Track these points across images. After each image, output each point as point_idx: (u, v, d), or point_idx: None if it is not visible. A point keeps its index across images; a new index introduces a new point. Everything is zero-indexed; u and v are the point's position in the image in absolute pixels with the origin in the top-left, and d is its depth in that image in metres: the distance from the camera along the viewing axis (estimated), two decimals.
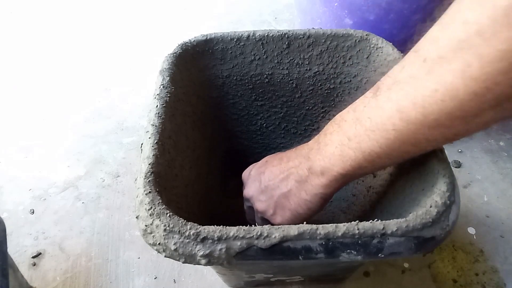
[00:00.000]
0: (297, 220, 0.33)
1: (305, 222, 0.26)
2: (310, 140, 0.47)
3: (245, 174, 0.40)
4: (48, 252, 0.53)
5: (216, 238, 0.25)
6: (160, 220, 0.26)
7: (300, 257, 0.25)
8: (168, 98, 0.35)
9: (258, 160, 0.56)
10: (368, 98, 0.26)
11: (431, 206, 0.26)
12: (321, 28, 0.42)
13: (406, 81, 0.23)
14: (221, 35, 0.42)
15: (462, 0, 0.20)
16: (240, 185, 0.42)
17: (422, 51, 0.22)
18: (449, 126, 0.22)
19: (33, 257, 0.52)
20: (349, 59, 0.43)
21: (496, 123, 0.21)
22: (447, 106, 0.20)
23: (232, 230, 0.25)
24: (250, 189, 0.37)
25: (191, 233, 0.25)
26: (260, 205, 0.36)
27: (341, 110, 0.49)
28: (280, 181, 0.33)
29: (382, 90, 0.25)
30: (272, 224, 0.33)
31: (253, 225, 0.26)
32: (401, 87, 0.23)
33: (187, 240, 0.25)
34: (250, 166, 0.40)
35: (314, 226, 0.25)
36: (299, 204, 0.32)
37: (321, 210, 0.33)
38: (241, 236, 0.25)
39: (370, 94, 0.26)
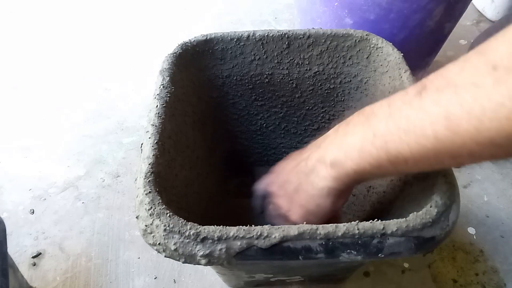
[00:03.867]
0: (311, 218, 0.30)
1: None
2: (310, 139, 0.46)
3: (271, 170, 0.37)
4: (48, 252, 0.53)
5: (216, 238, 0.25)
6: (160, 220, 0.26)
7: (300, 257, 0.25)
8: (168, 98, 0.35)
9: (258, 160, 0.56)
10: (409, 95, 0.23)
11: (431, 206, 0.26)
12: (321, 28, 0.42)
13: (465, 86, 0.19)
14: (221, 35, 0.42)
15: None
16: (241, 185, 0.42)
17: (492, 57, 0.18)
18: (504, 146, 0.19)
19: (33, 257, 0.52)
20: (349, 59, 0.43)
21: None
22: (510, 125, 0.18)
23: (232, 230, 0.25)
24: (269, 182, 0.35)
25: (191, 233, 0.25)
26: (278, 200, 0.33)
27: (341, 110, 0.49)
28: (292, 174, 0.31)
29: (430, 90, 0.21)
30: (289, 223, 0.31)
31: (253, 225, 0.26)
32: (456, 92, 0.20)
33: (187, 240, 0.25)
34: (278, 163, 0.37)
35: (314, 226, 0.25)
36: (307, 200, 0.30)
37: (333, 209, 0.30)
38: (241, 236, 0.25)
39: (413, 91, 0.22)
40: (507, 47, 0.18)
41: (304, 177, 0.29)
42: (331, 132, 0.28)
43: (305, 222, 0.26)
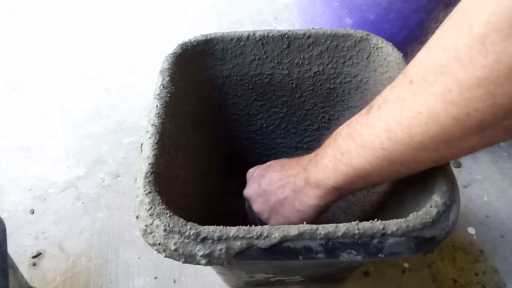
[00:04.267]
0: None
1: None
2: (310, 139, 0.47)
3: (248, 173, 0.41)
4: (48, 252, 0.53)
5: (216, 238, 0.25)
6: (160, 220, 0.26)
7: (300, 257, 0.25)
8: (168, 98, 0.35)
9: (258, 160, 0.56)
10: (361, 115, 0.27)
11: (431, 206, 0.26)
12: (321, 28, 0.42)
13: (394, 101, 0.23)
14: (221, 35, 0.42)
15: (444, 25, 0.20)
16: (241, 185, 0.42)
17: (409, 73, 0.22)
18: (434, 149, 0.22)
19: (33, 257, 0.52)
20: (349, 59, 0.43)
21: (483, 148, 0.21)
22: (430, 129, 0.21)
23: (232, 230, 0.25)
24: (249, 190, 0.38)
25: (191, 233, 0.25)
26: (256, 206, 0.37)
27: (341, 111, 0.49)
28: (277, 187, 0.34)
29: (374, 108, 0.25)
30: None
31: (253, 225, 0.26)
32: (389, 107, 0.23)
33: (187, 240, 0.25)
34: (255, 167, 0.40)
35: (314, 226, 0.25)
36: (292, 213, 0.33)
37: (314, 221, 0.33)
38: (241, 236, 0.25)
39: (364, 111, 0.27)
40: (416, 65, 0.22)
41: (292, 194, 0.33)
42: (312, 155, 0.32)
43: None
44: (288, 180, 0.34)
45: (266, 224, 0.35)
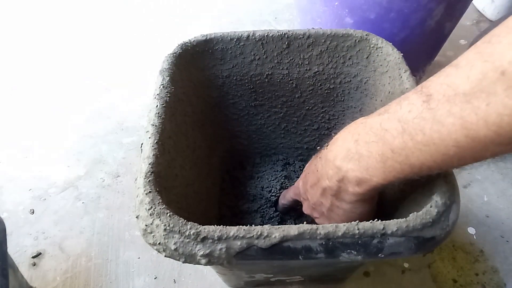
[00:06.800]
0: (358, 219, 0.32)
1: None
2: (310, 139, 0.46)
3: (298, 186, 0.40)
4: (48, 252, 0.53)
5: (216, 238, 0.25)
6: (160, 219, 0.26)
7: (300, 257, 0.25)
8: (168, 98, 0.35)
9: (258, 161, 0.56)
10: (416, 106, 0.23)
11: (431, 206, 0.26)
12: (321, 28, 0.42)
13: (477, 95, 0.20)
14: (221, 35, 0.42)
15: None
16: (240, 185, 0.42)
17: (497, 62, 0.19)
18: None
19: (33, 257, 0.52)
20: (349, 59, 0.43)
21: None
22: None
23: (232, 230, 0.25)
24: (305, 208, 0.38)
25: (191, 232, 0.25)
26: (319, 221, 0.36)
27: (341, 110, 0.49)
28: (320, 196, 0.33)
29: (439, 100, 0.22)
30: None
31: (253, 225, 0.26)
32: (467, 101, 0.20)
33: (187, 240, 0.25)
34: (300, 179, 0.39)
35: (314, 226, 0.25)
36: (346, 215, 0.32)
37: (375, 204, 0.32)
38: (241, 236, 0.25)
39: (419, 101, 0.23)
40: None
41: (333, 199, 0.31)
42: (339, 149, 0.29)
43: None
44: (321, 184, 0.32)
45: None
